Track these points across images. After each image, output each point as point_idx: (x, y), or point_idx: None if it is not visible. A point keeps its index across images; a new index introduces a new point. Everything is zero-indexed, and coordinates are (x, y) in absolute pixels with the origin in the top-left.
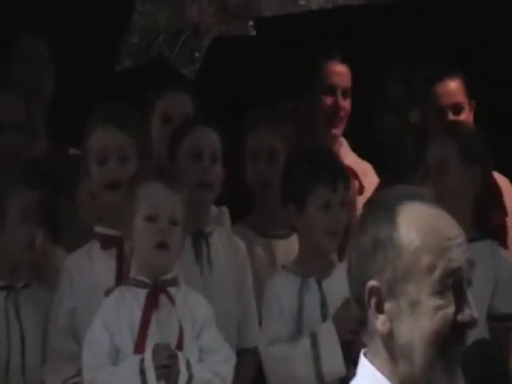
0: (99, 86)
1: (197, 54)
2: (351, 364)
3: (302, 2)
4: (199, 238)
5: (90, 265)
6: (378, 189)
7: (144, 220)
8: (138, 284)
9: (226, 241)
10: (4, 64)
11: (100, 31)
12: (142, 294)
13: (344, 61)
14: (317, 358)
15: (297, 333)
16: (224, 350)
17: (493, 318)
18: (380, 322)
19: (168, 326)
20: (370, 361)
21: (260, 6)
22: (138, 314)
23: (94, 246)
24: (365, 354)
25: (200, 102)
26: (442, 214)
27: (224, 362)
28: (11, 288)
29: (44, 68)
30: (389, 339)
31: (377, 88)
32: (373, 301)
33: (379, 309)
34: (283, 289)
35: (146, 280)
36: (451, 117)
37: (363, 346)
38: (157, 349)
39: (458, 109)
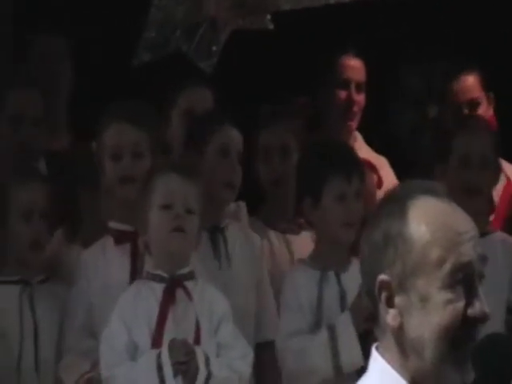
0: (117, 80)
1: (214, 48)
2: (368, 355)
3: None
4: (215, 232)
5: (105, 260)
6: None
7: (159, 209)
8: (155, 278)
9: (241, 234)
10: (22, 62)
11: (117, 25)
12: (159, 288)
13: (359, 55)
14: (335, 351)
15: (315, 326)
16: (241, 346)
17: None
18: (390, 317)
19: (185, 320)
20: (382, 355)
21: (278, 0)
22: (155, 309)
23: (108, 241)
24: (376, 348)
25: (218, 97)
26: (453, 208)
27: (241, 358)
28: (27, 283)
29: (61, 65)
30: (399, 333)
31: (394, 82)
32: (383, 295)
33: (390, 303)
34: (302, 282)
35: (163, 274)
36: (468, 113)
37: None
38: (173, 344)
39: (474, 104)
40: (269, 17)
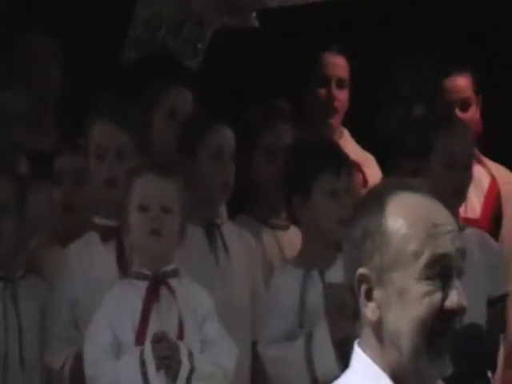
0: (103, 78)
1: (200, 46)
2: (346, 365)
3: None
4: (212, 228)
5: (90, 256)
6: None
7: (136, 210)
8: (139, 276)
9: (236, 234)
10: (9, 61)
11: (104, 23)
12: (143, 286)
13: (342, 52)
14: (309, 359)
15: (299, 327)
16: (226, 342)
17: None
18: (369, 310)
19: (169, 317)
20: (363, 350)
21: None
22: (139, 307)
23: (93, 237)
24: (358, 344)
25: (203, 96)
26: (432, 202)
27: (226, 354)
28: (8, 279)
29: (51, 64)
30: (378, 327)
31: (383, 80)
32: (362, 288)
33: (369, 296)
34: (285, 283)
35: (147, 272)
36: (458, 112)
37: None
38: (156, 338)
39: (465, 104)
40: (254, 14)
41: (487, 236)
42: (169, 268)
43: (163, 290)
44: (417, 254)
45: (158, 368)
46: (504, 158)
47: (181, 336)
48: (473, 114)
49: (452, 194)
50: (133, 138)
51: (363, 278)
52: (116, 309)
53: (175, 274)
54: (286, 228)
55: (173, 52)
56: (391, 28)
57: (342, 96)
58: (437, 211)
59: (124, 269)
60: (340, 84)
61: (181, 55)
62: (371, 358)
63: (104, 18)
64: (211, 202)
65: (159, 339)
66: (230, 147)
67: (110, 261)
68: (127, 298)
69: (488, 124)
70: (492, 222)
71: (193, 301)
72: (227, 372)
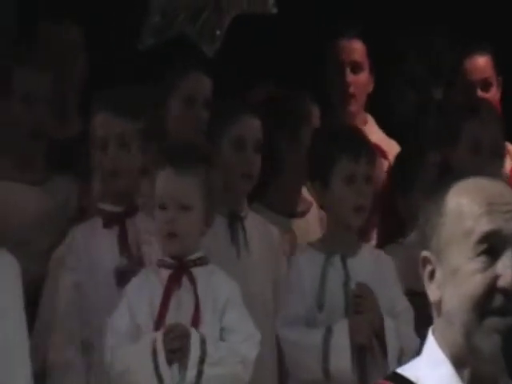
0: (122, 66)
1: (218, 32)
2: (363, 368)
3: None
4: (235, 220)
5: (94, 241)
6: (398, 158)
7: (158, 209)
8: (163, 264)
9: (260, 225)
10: (35, 50)
11: (122, 10)
12: (166, 274)
13: (357, 36)
14: (326, 355)
15: (318, 309)
16: (245, 329)
17: None
18: (431, 291)
19: (187, 306)
20: (432, 333)
21: None
22: (159, 294)
23: (97, 222)
24: (432, 328)
25: (223, 83)
26: (495, 185)
27: (245, 341)
28: None
29: (76, 53)
30: (439, 307)
31: (400, 64)
32: (426, 270)
33: (432, 278)
34: (306, 265)
35: (171, 261)
36: (480, 92)
37: (376, 352)
38: (167, 330)
39: (486, 84)
40: (272, 0)
41: None
42: (193, 257)
43: (185, 279)
44: (468, 232)
45: (170, 361)
46: None
47: (196, 323)
48: (494, 94)
49: None
50: (137, 127)
51: (426, 260)
52: (137, 296)
53: (202, 262)
54: (302, 215)
55: (190, 38)
56: (407, 11)
57: (357, 80)
58: (497, 192)
59: (126, 255)
60: (356, 68)
61: (198, 42)
62: (437, 340)
63: (122, 4)
64: (235, 191)
65: (171, 330)
66: (254, 138)
67: (112, 246)
68: (149, 285)
69: (507, 107)
70: None
71: (214, 288)
72: (246, 360)
